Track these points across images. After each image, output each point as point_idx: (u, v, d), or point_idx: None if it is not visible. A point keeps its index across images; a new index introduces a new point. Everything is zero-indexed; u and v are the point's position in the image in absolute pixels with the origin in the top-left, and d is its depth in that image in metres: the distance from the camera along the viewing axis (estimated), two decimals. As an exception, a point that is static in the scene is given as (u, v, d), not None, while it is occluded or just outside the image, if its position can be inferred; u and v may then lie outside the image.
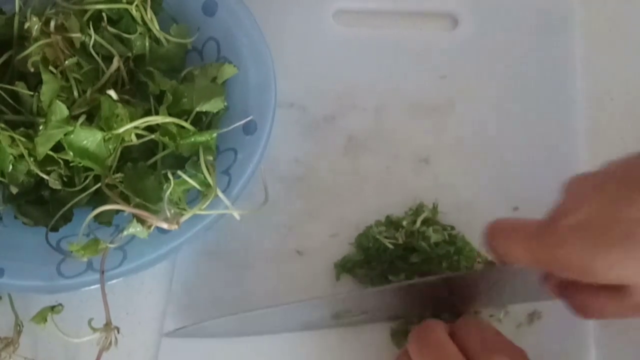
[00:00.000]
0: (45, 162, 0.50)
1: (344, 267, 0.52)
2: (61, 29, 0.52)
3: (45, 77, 0.50)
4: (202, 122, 0.53)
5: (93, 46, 0.53)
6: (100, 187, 0.49)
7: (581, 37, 0.60)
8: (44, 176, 0.50)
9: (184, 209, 0.48)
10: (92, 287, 0.49)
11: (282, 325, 0.50)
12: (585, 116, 0.57)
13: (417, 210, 0.53)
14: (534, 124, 0.56)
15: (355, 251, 0.53)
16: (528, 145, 0.56)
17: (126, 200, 0.48)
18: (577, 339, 0.49)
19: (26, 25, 0.52)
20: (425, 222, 0.52)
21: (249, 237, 0.54)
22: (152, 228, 0.47)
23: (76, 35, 0.52)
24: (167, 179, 0.48)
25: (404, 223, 0.52)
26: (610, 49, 0.59)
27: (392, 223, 0.53)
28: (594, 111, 0.57)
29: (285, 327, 0.50)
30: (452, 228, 0.53)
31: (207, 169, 0.49)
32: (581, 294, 0.40)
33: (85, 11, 0.54)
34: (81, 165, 0.50)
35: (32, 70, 0.51)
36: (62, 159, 0.50)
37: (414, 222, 0.52)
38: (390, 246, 0.51)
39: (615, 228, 0.36)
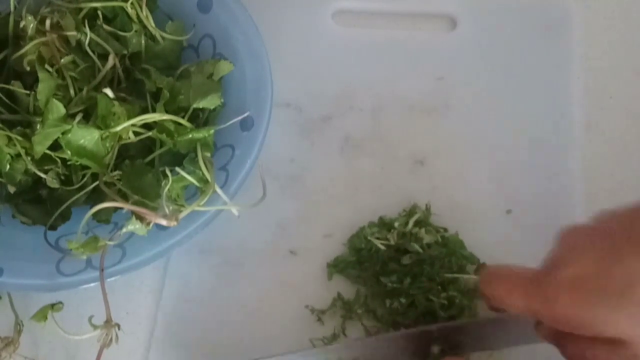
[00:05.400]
0: (43, 161, 0.50)
1: (336, 267, 0.52)
2: (56, 27, 0.52)
3: (41, 75, 0.50)
4: (199, 118, 0.53)
5: (89, 44, 0.53)
6: (98, 185, 0.50)
7: (580, 37, 0.59)
8: (42, 175, 0.51)
9: (183, 206, 0.48)
10: (92, 284, 0.49)
11: None
12: (585, 115, 0.56)
13: (410, 211, 0.53)
14: (531, 126, 0.56)
15: (348, 252, 0.53)
16: (524, 147, 0.56)
17: (124, 197, 0.48)
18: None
19: (21, 24, 0.52)
20: (418, 223, 0.52)
21: (242, 236, 0.54)
22: (151, 225, 0.47)
23: (72, 34, 0.52)
24: (165, 176, 0.48)
25: (396, 224, 0.52)
26: (609, 48, 0.59)
27: (384, 224, 0.53)
28: (593, 110, 0.57)
29: None
30: (445, 230, 0.53)
31: (205, 166, 0.49)
32: (576, 345, 0.40)
33: (81, 9, 0.54)
34: (79, 163, 0.50)
35: (28, 69, 0.51)
36: (59, 158, 0.50)
37: (407, 223, 0.52)
38: (382, 247, 0.51)
39: (608, 285, 0.37)
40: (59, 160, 0.50)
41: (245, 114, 0.52)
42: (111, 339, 0.47)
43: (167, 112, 0.51)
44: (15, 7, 0.55)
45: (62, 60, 0.51)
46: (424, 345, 0.48)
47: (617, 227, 0.39)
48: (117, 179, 0.49)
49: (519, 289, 0.41)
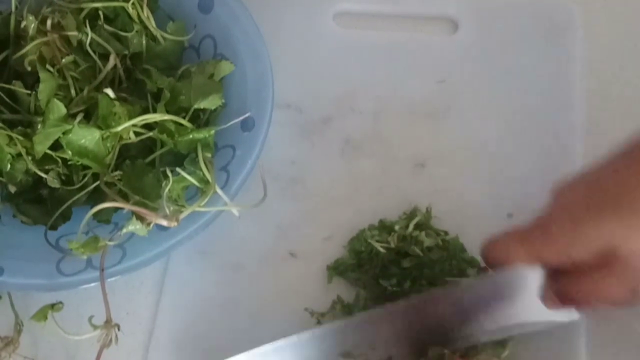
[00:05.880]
0: (44, 161, 0.50)
1: (336, 270, 0.52)
2: (58, 27, 0.52)
3: (42, 75, 0.50)
4: (200, 119, 0.53)
5: (90, 44, 0.53)
6: (98, 185, 0.50)
7: (582, 40, 0.59)
8: (42, 175, 0.51)
9: (183, 206, 0.48)
10: (92, 284, 0.49)
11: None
12: (587, 117, 0.56)
13: (411, 214, 0.53)
14: (532, 129, 0.56)
15: (348, 254, 0.53)
16: (525, 150, 0.56)
17: (125, 197, 0.48)
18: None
19: (23, 24, 0.52)
20: (419, 226, 0.52)
21: (242, 238, 0.54)
22: (152, 225, 0.47)
23: (73, 34, 0.52)
24: (165, 176, 0.48)
25: (397, 227, 0.52)
26: (611, 51, 0.59)
27: (385, 227, 0.53)
28: (596, 112, 0.56)
29: None
30: (446, 233, 0.52)
31: (206, 166, 0.49)
32: (578, 282, 0.42)
33: (82, 9, 0.54)
34: (79, 163, 0.50)
35: (29, 69, 0.52)
36: (60, 158, 0.50)
37: (407, 226, 0.52)
38: (383, 250, 0.51)
39: (600, 196, 0.40)
40: (59, 160, 0.50)
41: (246, 115, 0.52)
42: (111, 339, 0.47)
43: (168, 112, 0.51)
44: (16, 7, 0.55)
45: (63, 60, 0.51)
46: (420, 345, 0.48)
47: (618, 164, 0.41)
48: (118, 179, 0.49)
49: (515, 238, 0.43)
